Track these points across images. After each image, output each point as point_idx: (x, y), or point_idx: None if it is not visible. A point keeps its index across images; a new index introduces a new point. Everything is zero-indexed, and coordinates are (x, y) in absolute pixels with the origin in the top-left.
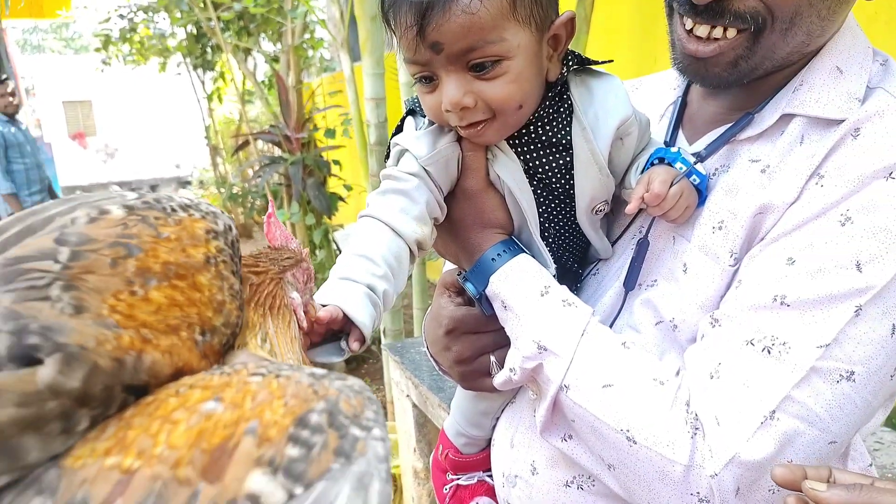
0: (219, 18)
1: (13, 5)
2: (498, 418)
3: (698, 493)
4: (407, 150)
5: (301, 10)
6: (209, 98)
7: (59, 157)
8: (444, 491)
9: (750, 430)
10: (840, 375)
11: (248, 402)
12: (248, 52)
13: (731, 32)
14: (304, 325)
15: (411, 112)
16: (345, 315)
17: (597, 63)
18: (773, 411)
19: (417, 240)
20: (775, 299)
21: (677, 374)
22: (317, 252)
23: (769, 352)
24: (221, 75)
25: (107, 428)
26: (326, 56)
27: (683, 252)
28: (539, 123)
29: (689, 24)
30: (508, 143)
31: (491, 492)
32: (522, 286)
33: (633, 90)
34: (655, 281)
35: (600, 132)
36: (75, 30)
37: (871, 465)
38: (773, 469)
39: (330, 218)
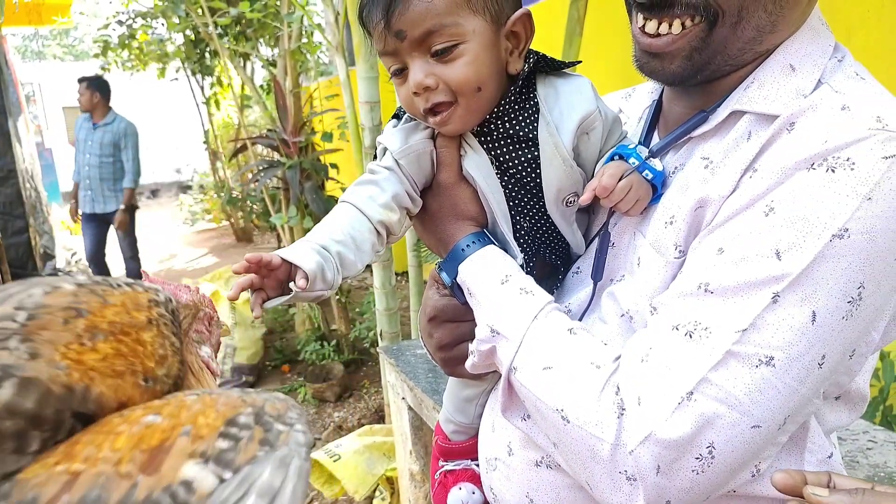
0: (216, 24)
1: (8, 11)
2: (485, 404)
3: (626, 471)
4: (386, 146)
5: (297, 14)
6: (207, 103)
7: (60, 162)
8: (436, 477)
9: (668, 410)
10: (759, 360)
11: (184, 413)
12: (245, 57)
13: (677, 27)
14: (218, 373)
15: (395, 115)
16: (284, 261)
17: (564, 65)
18: (691, 392)
19: (382, 221)
20: (700, 286)
21: (616, 359)
22: None
23: (691, 336)
24: (219, 80)
25: (56, 449)
26: (324, 60)
27: (639, 246)
28: (506, 118)
29: (639, 20)
30: (478, 141)
31: (476, 479)
32: (485, 274)
33: (626, 97)
34: (623, 276)
35: (564, 126)
36: (76, 36)
37: (830, 455)
38: (773, 475)
39: None
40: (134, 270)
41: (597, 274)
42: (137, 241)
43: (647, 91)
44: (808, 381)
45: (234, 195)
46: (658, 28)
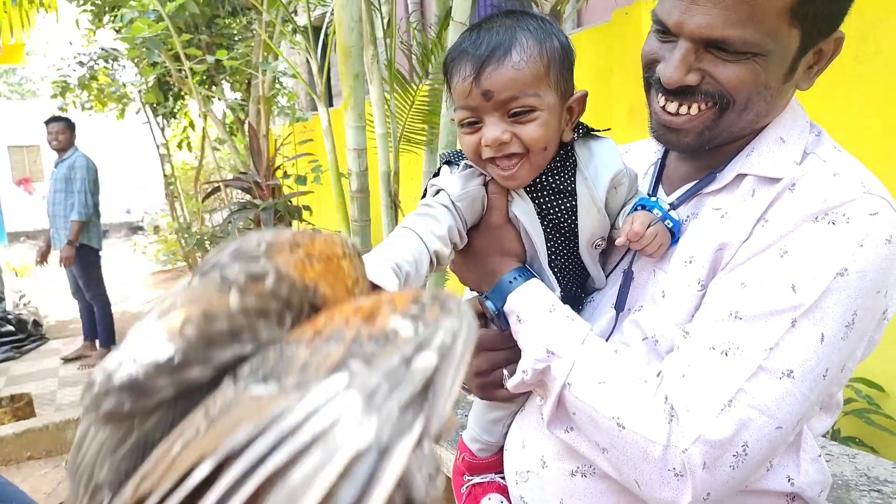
0: (191, 70)
1: None
2: (509, 426)
3: (674, 468)
4: (442, 188)
5: (277, 63)
6: (166, 145)
7: (5, 202)
8: (462, 491)
9: (713, 415)
10: (782, 373)
11: (383, 296)
12: (207, 100)
13: (695, 109)
14: None
15: (447, 162)
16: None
17: (598, 131)
18: (730, 400)
19: (436, 251)
20: (731, 314)
21: (658, 375)
22: None
23: (726, 354)
24: (191, 123)
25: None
26: (295, 105)
27: (662, 281)
28: (550, 174)
29: (661, 101)
30: (524, 190)
31: (502, 490)
32: (534, 303)
33: (624, 153)
34: (642, 306)
35: (599, 181)
36: (23, 75)
37: (819, 455)
38: None
39: None
40: (88, 313)
41: (620, 305)
42: (99, 282)
43: (649, 149)
44: (816, 389)
45: (200, 238)
46: (678, 109)
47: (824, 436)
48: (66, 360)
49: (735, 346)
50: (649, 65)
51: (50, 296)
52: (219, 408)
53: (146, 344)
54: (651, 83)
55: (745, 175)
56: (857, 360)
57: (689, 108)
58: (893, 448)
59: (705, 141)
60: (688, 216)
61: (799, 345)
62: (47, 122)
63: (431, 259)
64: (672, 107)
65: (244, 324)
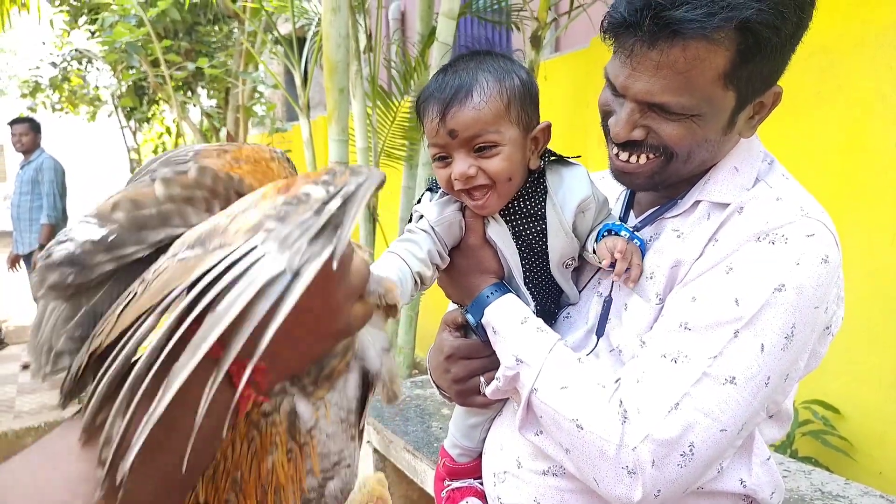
0: (171, 76)
1: None
2: (487, 431)
3: (627, 466)
4: (422, 214)
5: (258, 73)
6: (140, 150)
7: None
8: (442, 495)
9: (661, 416)
10: (725, 379)
11: (301, 173)
12: (185, 105)
13: (643, 159)
14: None
15: (429, 189)
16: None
17: (568, 158)
18: (677, 403)
19: (419, 272)
20: (681, 325)
21: (616, 381)
22: None
23: (675, 361)
24: (168, 130)
25: None
26: (273, 115)
27: (625, 296)
28: (521, 199)
29: (614, 149)
30: (499, 214)
31: (479, 495)
32: (508, 316)
33: (600, 178)
34: (609, 320)
35: (566, 206)
36: None
37: (768, 458)
38: None
39: None
40: None
41: (600, 331)
42: None
43: None
44: (758, 396)
45: None
46: (629, 158)
47: (783, 454)
48: (26, 367)
49: (683, 354)
50: (605, 115)
51: (9, 300)
52: (152, 274)
53: (82, 226)
54: (607, 131)
55: (702, 201)
56: (802, 370)
57: (637, 157)
58: (848, 467)
59: (656, 183)
60: (650, 237)
61: (741, 354)
62: (11, 124)
63: (415, 279)
64: (623, 156)
65: (173, 209)
